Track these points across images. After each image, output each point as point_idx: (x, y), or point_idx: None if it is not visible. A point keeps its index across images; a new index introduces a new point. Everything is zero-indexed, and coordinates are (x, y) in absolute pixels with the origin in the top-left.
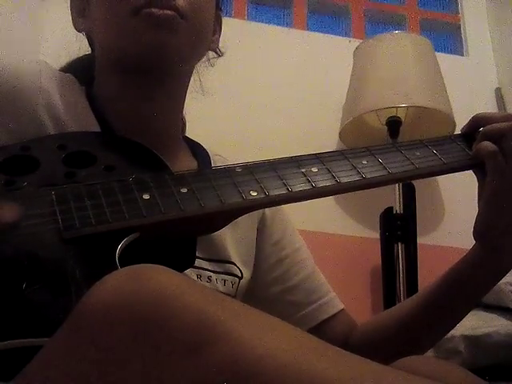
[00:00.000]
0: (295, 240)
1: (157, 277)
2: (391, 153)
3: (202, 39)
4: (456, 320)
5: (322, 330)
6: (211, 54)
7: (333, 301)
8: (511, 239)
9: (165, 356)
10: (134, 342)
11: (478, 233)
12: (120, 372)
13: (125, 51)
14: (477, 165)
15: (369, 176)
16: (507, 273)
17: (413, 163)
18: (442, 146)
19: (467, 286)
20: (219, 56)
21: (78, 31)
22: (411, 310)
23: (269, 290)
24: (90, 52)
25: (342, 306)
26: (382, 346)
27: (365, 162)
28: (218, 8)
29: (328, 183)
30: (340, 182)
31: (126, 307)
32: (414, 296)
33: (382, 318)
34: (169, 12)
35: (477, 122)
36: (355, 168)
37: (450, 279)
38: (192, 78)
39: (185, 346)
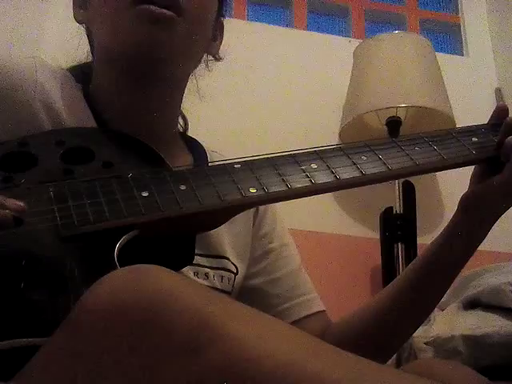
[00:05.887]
0: (284, 236)
1: (155, 277)
2: (391, 148)
3: (199, 39)
4: (431, 303)
5: (301, 326)
6: (210, 57)
7: (316, 300)
8: (493, 217)
9: (163, 356)
10: (132, 342)
11: (470, 201)
12: (118, 372)
13: (118, 45)
14: (494, 157)
15: (368, 172)
16: (477, 247)
17: (412, 159)
18: (443, 142)
19: (443, 259)
20: (217, 60)
21: (79, 23)
22: (388, 296)
23: (252, 281)
24: (88, 51)
25: (323, 308)
26: (358, 340)
27: (364, 158)
28: (221, 14)
29: (327, 179)
30: (339, 179)
31: (125, 308)
32: (389, 284)
33: (358, 312)
34: (166, 12)
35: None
36: (355, 164)
37: (427, 256)
38: (190, 81)
39: (183, 347)
